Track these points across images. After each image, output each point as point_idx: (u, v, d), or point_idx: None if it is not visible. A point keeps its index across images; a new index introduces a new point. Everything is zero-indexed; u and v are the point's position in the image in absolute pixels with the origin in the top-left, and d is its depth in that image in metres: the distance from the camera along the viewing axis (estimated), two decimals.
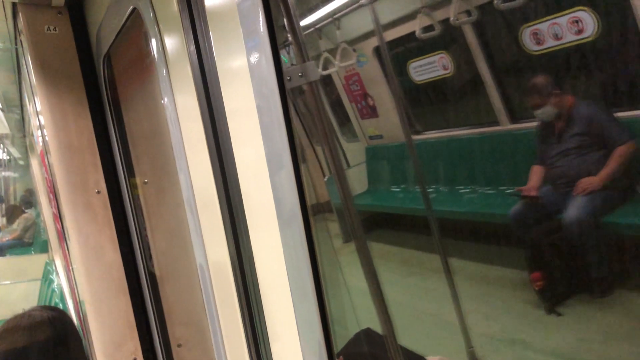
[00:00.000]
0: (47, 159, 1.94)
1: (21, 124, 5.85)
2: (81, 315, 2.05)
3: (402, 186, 5.94)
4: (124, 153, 1.77)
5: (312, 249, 0.78)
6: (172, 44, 1.02)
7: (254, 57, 0.76)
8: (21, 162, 15.48)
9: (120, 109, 1.77)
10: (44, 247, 8.95)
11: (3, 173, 16.82)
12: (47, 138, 1.81)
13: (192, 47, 0.91)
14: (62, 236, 2.16)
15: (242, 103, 0.81)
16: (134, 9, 1.18)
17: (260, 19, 0.74)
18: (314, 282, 0.78)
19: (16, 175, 19.01)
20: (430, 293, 4.20)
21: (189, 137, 1.02)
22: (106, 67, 1.69)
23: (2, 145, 11.17)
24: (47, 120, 1.74)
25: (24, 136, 7.15)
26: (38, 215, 11.56)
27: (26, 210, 11.86)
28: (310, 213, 0.78)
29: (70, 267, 2.07)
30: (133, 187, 1.79)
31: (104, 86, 1.73)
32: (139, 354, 1.82)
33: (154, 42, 1.08)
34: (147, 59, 1.69)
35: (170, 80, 1.03)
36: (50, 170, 1.96)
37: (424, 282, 4.49)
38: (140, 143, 1.80)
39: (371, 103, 6.00)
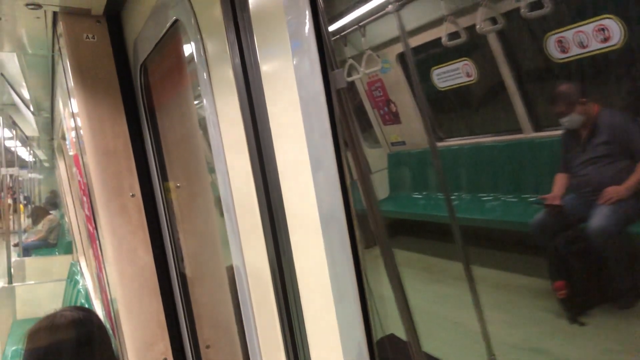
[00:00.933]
0: (83, 162, 1.99)
1: (50, 127, 5.96)
2: (112, 316, 2.10)
3: (424, 193, 5.94)
4: (157, 158, 1.82)
5: (355, 253, 0.79)
6: (213, 47, 1.05)
7: (299, 60, 0.78)
8: (46, 165, 15.75)
9: (155, 115, 1.81)
10: (69, 249, 9.08)
11: (29, 175, 17.10)
12: (83, 142, 1.87)
13: (235, 50, 0.93)
14: (94, 237, 2.21)
15: (286, 106, 0.82)
16: (176, 20, 1.22)
17: (307, 21, 0.76)
18: (357, 287, 0.78)
19: (41, 177, 19.32)
20: (452, 300, 4.19)
21: (228, 139, 1.04)
22: (143, 75, 1.73)
23: (28, 148, 11.37)
24: (84, 125, 1.80)
25: (52, 139, 7.29)
26: (62, 216, 11.73)
27: (51, 212, 12.04)
28: (354, 216, 0.79)
29: (103, 268, 2.12)
30: (166, 191, 1.83)
31: (140, 93, 1.77)
32: (169, 354, 1.86)
33: (194, 48, 1.11)
34: (184, 67, 1.74)
35: (211, 83, 1.06)
36: (85, 173, 2.01)
37: (445, 289, 4.48)
38: (173, 149, 1.84)
39: (394, 109, 6.01)
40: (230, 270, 1.87)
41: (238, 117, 0.95)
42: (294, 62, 0.79)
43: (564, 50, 4.00)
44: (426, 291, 4.53)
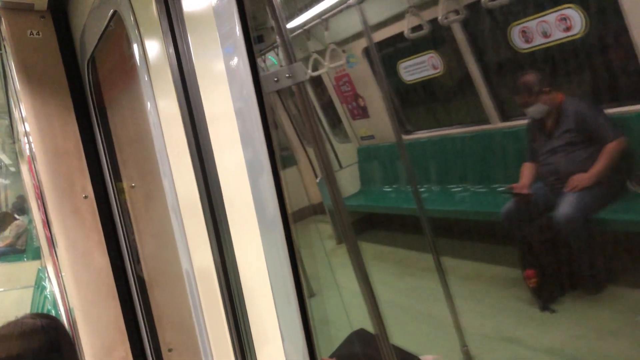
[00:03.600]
0: (34, 165, 1.92)
1: (10, 130, 5.82)
2: (71, 321, 2.04)
3: (395, 186, 5.95)
4: (110, 157, 1.76)
5: (292, 253, 0.77)
6: (152, 47, 1.01)
7: (231, 61, 0.76)
8: (12, 169, 15.40)
9: (105, 113, 1.75)
10: (37, 254, 8.89)
11: None
12: (33, 144, 1.80)
13: (172, 51, 0.90)
14: (50, 242, 2.14)
15: (221, 107, 0.80)
16: (115, 12, 1.17)
17: (236, 22, 0.74)
18: (295, 286, 0.77)
19: (7, 182, 18.90)
20: (424, 292, 4.20)
21: (171, 142, 1.01)
22: (91, 71, 1.68)
23: None
24: (32, 126, 1.73)
25: (14, 142, 7.11)
26: (30, 222, 11.49)
27: (18, 217, 11.79)
28: (291, 217, 0.78)
29: (60, 273, 2.06)
30: (120, 191, 1.78)
31: (89, 90, 1.71)
32: (130, 358, 1.81)
33: (135, 47, 1.07)
34: (130, 62, 1.68)
35: (151, 84, 1.03)
36: (37, 176, 1.94)
37: (417, 281, 4.49)
38: (126, 147, 1.78)
39: (362, 104, 6.00)
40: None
41: (178, 119, 0.92)
42: (225, 61, 0.77)
43: (528, 40, 4.02)
44: (397, 284, 4.53)
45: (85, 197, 1.77)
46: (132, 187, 1.78)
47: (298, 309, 0.77)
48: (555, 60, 4.09)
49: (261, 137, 0.75)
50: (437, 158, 5.32)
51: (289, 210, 0.77)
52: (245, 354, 0.90)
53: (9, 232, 11.08)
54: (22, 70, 1.72)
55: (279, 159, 0.76)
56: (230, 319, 0.91)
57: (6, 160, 12.78)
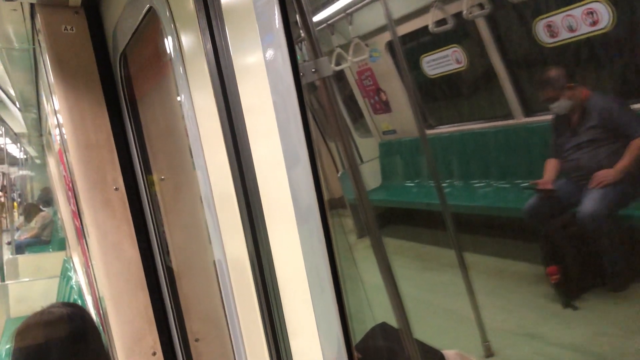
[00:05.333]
0: (66, 157, 1.97)
1: (38, 123, 5.91)
2: (101, 311, 2.08)
3: (416, 181, 5.93)
4: (141, 150, 1.79)
5: (329, 244, 0.78)
6: (188, 41, 1.03)
7: (270, 54, 0.77)
8: (38, 161, 15.65)
9: (136, 106, 1.78)
10: (62, 245, 9.05)
11: (21, 172, 17.01)
12: (65, 136, 1.84)
13: (209, 45, 0.92)
14: (80, 233, 2.19)
15: (259, 99, 0.81)
16: (150, 8, 1.20)
17: (276, 15, 0.75)
18: (331, 277, 0.79)
19: (33, 174, 19.22)
20: (446, 288, 4.19)
21: (206, 134, 1.03)
22: (122, 65, 1.71)
23: (19, 145, 11.30)
24: (65, 119, 1.77)
25: (41, 135, 7.23)
26: (55, 213, 11.68)
27: (43, 209, 11.99)
28: (328, 208, 0.78)
29: (90, 264, 2.10)
30: (150, 183, 1.81)
31: (121, 84, 1.75)
32: (157, 348, 1.84)
33: (170, 41, 1.09)
34: (163, 57, 1.71)
35: (187, 78, 1.05)
36: (68, 168, 1.98)
37: (439, 276, 4.49)
38: (156, 140, 1.82)
39: (384, 98, 5.99)
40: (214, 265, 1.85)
41: (214, 112, 0.94)
42: (264, 54, 0.78)
43: (553, 34, 3.98)
44: (418, 279, 4.53)
45: (116, 189, 1.80)
46: (162, 179, 1.81)
47: (335, 299, 0.79)
48: (580, 55, 4.05)
49: (299, 129, 0.77)
50: (460, 153, 5.29)
51: (326, 201, 0.78)
52: (278, 344, 0.92)
53: (35, 224, 11.27)
54: (56, 65, 1.76)
55: (316, 150, 0.77)
56: (263, 309, 0.93)
57: (32, 152, 12.98)
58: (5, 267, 6.67)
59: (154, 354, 1.84)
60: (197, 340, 1.85)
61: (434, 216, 4.89)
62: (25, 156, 14.83)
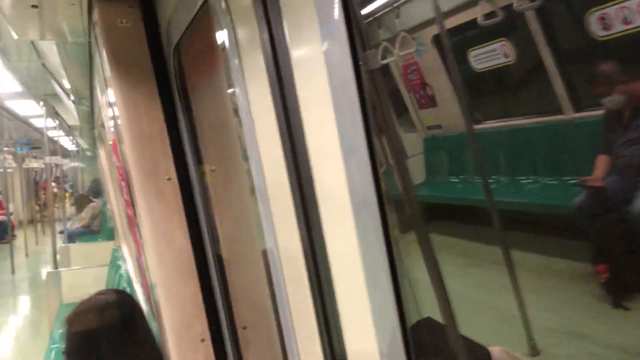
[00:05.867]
0: (120, 148, 2.03)
1: (90, 116, 6.10)
2: (152, 299, 2.14)
3: (461, 177, 5.86)
4: (192, 142, 1.83)
5: (387, 238, 0.78)
6: (244, 33, 1.05)
7: (329, 45, 0.77)
8: (88, 153, 16.15)
9: (189, 99, 1.82)
10: (110, 235, 9.33)
11: (72, 164, 17.57)
12: (120, 128, 1.90)
13: (265, 36, 0.93)
14: (133, 222, 2.25)
15: (316, 91, 0.82)
16: (206, 1, 1.22)
17: (336, 5, 0.76)
18: (390, 271, 0.78)
19: (84, 165, 19.85)
20: (491, 285, 4.14)
21: (260, 126, 1.05)
22: (175, 58, 1.75)
23: (71, 137, 11.68)
24: (120, 111, 1.82)
25: (93, 128, 7.46)
26: (104, 204, 12.04)
27: (93, 200, 12.37)
28: (386, 202, 0.78)
29: (142, 252, 2.17)
30: (201, 174, 1.85)
31: (174, 77, 1.79)
32: (206, 335, 1.89)
33: (225, 33, 1.12)
34: (215, 50, 1.74)
35: (242, 70, 1.07)
36: (123, 158, 2.05)
37: (484, 273, 4.44)
38: (207, 132, 1.85)
39: (430, 92, 5.94)
40: (266, 253, 1.88)
41: (269, 103, 0.95)
42: (323, 45, 0.78)
43: (606, 27, 3.87)
44: (463, 275, 4.49)
45: (169, 179, 1.85)
46: (212, 170, 1.85)
47: (394, 295, 0.78)
48: (635, 49, 3.92)
49: (359, 121, 0.76)
50: (507, 149, 5.21)
51: (385, 195, 0.78)
52: (331, 334, 0.93)
53: (85, 214, 11.64)
54: (112, 58, 1.81)
55: (376, 142, 0.77)
56: (316, 299, 0.94)
57: (84, 145, 13.40)
58: (57, 255, 6.91)
59: (203, 340, 1.88)
60: (244, 328, 1.89)
61: (480, 212, 4.83)
62: (76, 148, 15.31)
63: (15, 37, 2.30)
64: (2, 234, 14.25)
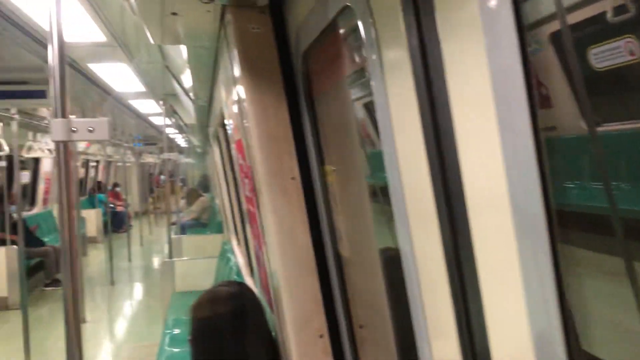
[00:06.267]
0: (247, 146, 2.13)
1: (206, 115, 6.40)
2: (271, 292, 2.23)
3: (577, 182, 5.57)
4: (315, 143, 1.89)
5: (554, 252, 0.71)
6: (386, 29, 1.05)
7: (494, 41, 0.74)
8: (198, 150, 16.98)
9: (313, 101, 1.88)
10: (219, 229, 9.74)
11: (185, 160, 18.55)
12: (248, 128, 2.00)
13: (413, 33, 0.92)
14: (254, 217, 2.35)
15: (474, 88, 0.79)
16: (345, 7, 1.26)
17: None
18: (557, 294, 0.70)
19: (194, 162, 20.90)
20: (612, 298, 3.89)
21: (399, 123, 1.05)
22: (303, 63, 1.81)
23: (184, 135, 12.32)
24: (250, 112, 1.92)
25: (207, 126, 7.83)
26: (213, 199, 12.61)
27: (203, 194, 12.98)
28: (554, 215, 0.71)
29: (263, 246, 2.26)
30: (323, 174, 1.91)
31: (300, 81, 1.86)
32: (324, 331, 1.94)
33: (364, 32, 1.13)
34: (342, 55, 1.79)
35: (382, 66, 1.07)
36: (249, 156, 2.14)
37: (601, 285, 4.19)
38: (329, 134, 1.91)
39: (544, 92, 5.70)
40: (383, 253, 1.90)
41: (412, 100, 0.95)
42: (486, 39, 0.75)
43: None
44: (577, 286, 4.26)
45: (293, 178, 1.92)
46: (333, 170, 1.90)
47: (561, 324, 0.70)
48: None
49: (525, 120, 0.71)
50: (631, 153, 4.88)
51: (553, 206, 0.71)
52: (473, 340, 0.90)
53: (195, 207, 12.24)
54: (243, 62, 1.91)
55: (544, 148, 0.71)
56: (458, 302, 0.92)
57: (195, 142, 14.10)
58: (171, 245, 7.33)
59: (321, 336, 1.94)
60: (361, 326, 1.92)
61: (599, 220, 4.55)
62: (188, 145, 16.14)
63: (152, 42, 2.48)
64: (121, 223, 15.34)
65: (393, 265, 1.74)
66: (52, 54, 1.55)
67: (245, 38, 1.90)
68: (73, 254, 1.59)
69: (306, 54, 1.75)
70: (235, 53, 1.96)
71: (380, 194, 1.87)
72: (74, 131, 1.58)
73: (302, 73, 1.82)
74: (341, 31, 1.61)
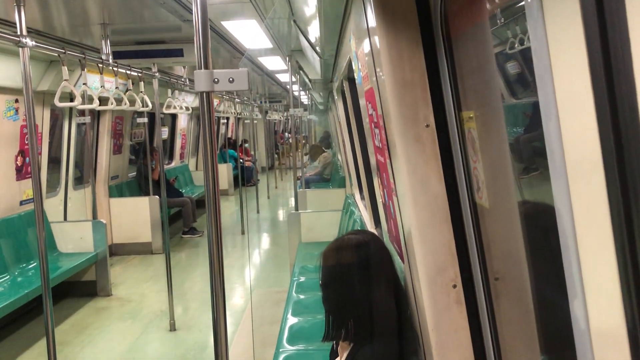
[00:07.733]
0: (379, 95, 2.11)
1: (329, 70, 6.44)
2: (402, 241, 2.23)
3: None
4: (452, 88, 1.83)
5: None
6: None
7: None
8: (320, 107, 17.23)
9: (451, 46, 1.81)
10: (341, 183, 9.94)
11: (308, 116, 18.95)
12: (382, 75, 1.97)
13: None
14: (384, 167, 2.35)
15: None
16: None
17: None
18: None
19: (316, 118, 21.28)
20: None
21: (559, 64, 0.96)
22: (441, 8, 1.74)
23: (307, 92, 12.53)
24: (384, 59, 1.89)
25: (330, 81, 7.88)
26: (334, 154, 12.83)
27: (325, 150, 13.23)
28: None
29: (393, 197, 2.26)
30: (460, 121, 1.85)
31: (439, 26, 1.79)
32: (458, 281, 1.91)
33: None
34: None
35: (543, 14, 0.98)
36: (380, 105, 2.13)
37: None
38: (467, 78, 1.83)
39: None
40: (522, 205, 1.82)
41: (578, 40, 0.85)
42: None
43: None
44: None
45: (427, 125, 1.88)
46: (471, 117, 1.83)
47: None
48: None
49: None
50: None
51: None
52: None
53: (318, 163, 12.54)
54: (379, 9, 1.88)
55: None
56: (626, 264, 0.83)
57: (318, 99, 14.30)
58: (297, 198, 7.59)
59: (454, 286, 1.91)
60: (496, 279, 1.87)
61: None
62: (311, 102, 16.43)
63: None
64: (249, 178, 16.18)
65: (535, 219, 1.66)
66: (195, 10, 1.62)
67: None
68: (216, 196, 1.68)
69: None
70: (371, 1, 1.92)
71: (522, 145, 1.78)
72: (215, 82, 1.64)
73: (440, 14, 1.76)
74: None
